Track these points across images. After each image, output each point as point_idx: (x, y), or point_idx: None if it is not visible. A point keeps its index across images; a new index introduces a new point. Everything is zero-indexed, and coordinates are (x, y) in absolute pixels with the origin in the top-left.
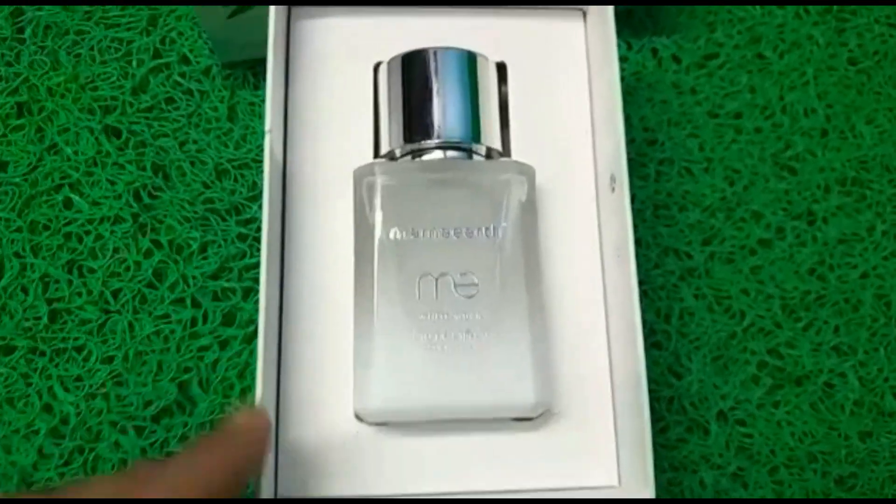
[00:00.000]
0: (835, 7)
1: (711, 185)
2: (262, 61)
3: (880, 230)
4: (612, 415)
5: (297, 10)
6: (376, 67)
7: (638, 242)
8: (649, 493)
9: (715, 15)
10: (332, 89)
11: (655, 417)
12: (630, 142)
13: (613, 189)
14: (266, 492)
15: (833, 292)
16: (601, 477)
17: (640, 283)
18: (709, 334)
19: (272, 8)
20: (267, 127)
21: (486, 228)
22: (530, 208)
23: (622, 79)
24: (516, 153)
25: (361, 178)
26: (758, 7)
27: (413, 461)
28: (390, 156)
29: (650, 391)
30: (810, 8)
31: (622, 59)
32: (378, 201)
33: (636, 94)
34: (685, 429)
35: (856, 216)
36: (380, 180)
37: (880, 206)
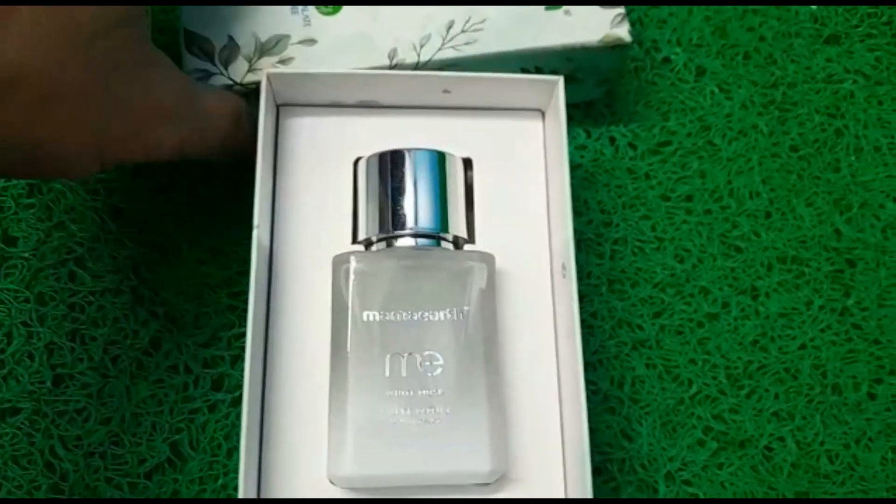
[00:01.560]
0: (778, 98)
1: (662, 263)
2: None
3: (817, 304)
4: (562, 474)
5: (286, 109)
6: (356, 163)
7: (594, 315)
8: None
9: (668, 105)
10: (316, 181)
11: (608, 477)
12: (588, 223)
13: (564, 275)
14: None
15: (774, 362)
16: None
17: (595, 352)
18: (658, 401)
19: (262, 109)
20: (255, 222)
21: (451, 311)
22: (490, 292)
23: (580, 166)
24: (481, 239)
25: (339, 265)
26: (707, 97)
27: None
28: (367, 242)
29: (603, 453)
30: (755, 99)
31: (582, 148)
32: (353, 286)
33: (594, 178)
34: (636, 488)
35: (795, 292)
36: (354, 267)
37: (818, 282)
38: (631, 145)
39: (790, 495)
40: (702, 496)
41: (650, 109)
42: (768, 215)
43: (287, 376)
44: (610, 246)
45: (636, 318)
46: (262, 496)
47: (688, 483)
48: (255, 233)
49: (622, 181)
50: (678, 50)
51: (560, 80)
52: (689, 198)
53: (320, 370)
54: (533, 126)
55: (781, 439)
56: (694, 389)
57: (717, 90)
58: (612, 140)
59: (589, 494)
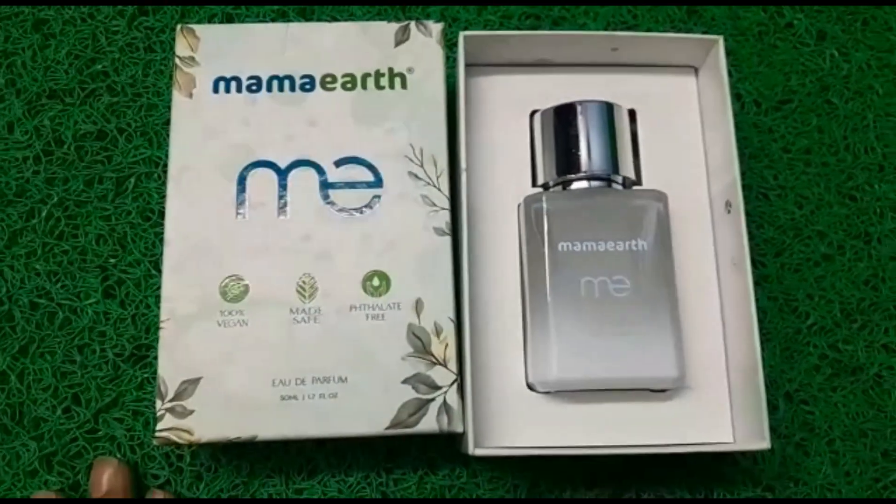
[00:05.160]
0: (894, 62)
1: (784, 209)
2: None
3: None
4: (727, 389)
5: (472, 70)
6: (532, 115)
7: None
8: (765, 445)
9: (790, 66)
10: (497, 132)
11: None
12: None
13: (729, 211)
14: (467, 446)
15: (884, 300)
16: (720, 436)
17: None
18: (779, 329)
19: (460, 68)
20: (463, 165)
21: (632, 242)
22: (665, 226)
23: None
24: (646, 182)
25: (530, 204)
26: (827, 59)
27: (571, 421)
28: (544, 186)
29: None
30: (872, 62)
31: None
32: (546, 222)
33: None
34: None
35: None
36: (547, 205)
37: None
38: (756, 102)
39: None
40: (817, 414)
41: (773, 70)
42: (881, 168)
43: (484, 301)
44: None
45: (759, 256)
46: (473, 403)
47: (805, 402)
48: (463, 175)
49: (747, 134)
50: (800, 16)
51: (720, 39)
52: (807, 151)
53: (510, 292)
54: (688, 81)
55: (891, 368)
56: (811, 321)
57: (836, 53)
58: (739, 97)
59: (763, 403)
